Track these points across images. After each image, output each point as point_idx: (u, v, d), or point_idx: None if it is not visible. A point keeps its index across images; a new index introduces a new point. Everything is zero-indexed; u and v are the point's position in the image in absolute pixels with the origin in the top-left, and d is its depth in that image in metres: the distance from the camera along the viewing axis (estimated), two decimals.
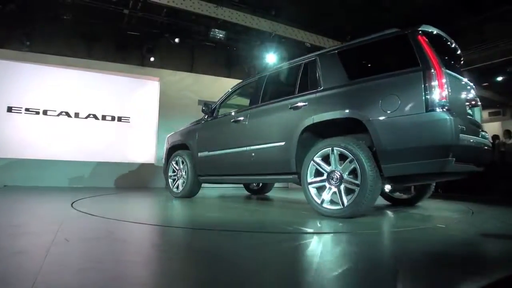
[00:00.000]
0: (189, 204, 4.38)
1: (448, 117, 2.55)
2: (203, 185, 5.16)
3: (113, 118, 9.29)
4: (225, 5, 8.03)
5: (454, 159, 2.54)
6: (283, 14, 8.70)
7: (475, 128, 3.10)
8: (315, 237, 2.33)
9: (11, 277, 1.28)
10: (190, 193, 5.08)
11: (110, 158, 8.71)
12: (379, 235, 2.43)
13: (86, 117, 9.01)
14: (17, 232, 2.17)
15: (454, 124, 2.54)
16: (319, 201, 3.07)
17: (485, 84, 10.16)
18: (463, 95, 3.05)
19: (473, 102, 3.20)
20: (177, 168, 5.22)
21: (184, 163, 5.07)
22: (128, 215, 3.55)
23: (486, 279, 1.34)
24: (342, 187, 2.94)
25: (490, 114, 13.65)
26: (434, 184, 4.07)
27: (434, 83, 2.63)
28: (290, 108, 3.56)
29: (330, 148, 3.05)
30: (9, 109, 8.32)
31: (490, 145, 3.42)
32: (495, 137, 9.13)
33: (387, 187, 4.18)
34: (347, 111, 3.04)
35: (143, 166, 9.10)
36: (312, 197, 3.13)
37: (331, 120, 3.14)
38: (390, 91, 2.85)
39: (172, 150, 5.48)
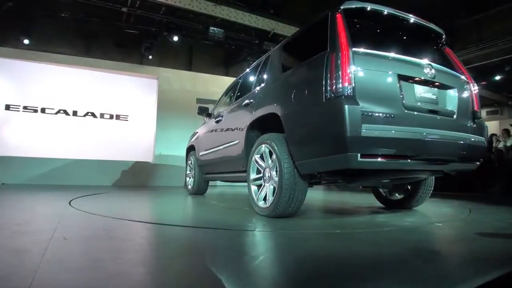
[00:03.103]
0: (182, 202, 4.42)
1: (345, 106, 2.18)
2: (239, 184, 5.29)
3: (111, 116, 9.29)
4: (224, 4, 8.02)
5: (358, 154, 2.19)
6: (282, 12, 8.70)
7: (434, 116, 2.61)
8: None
9: (10, 275, 1.28)
10: (198, 190, 5.35)
11: (108, 156, 8.72)
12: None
13: (84, 115, 9.01)
14: (15, 230, 2.17)
15: (353, 113, 2.18)
16: (255, 199, 3.00)
17: (483, 83, 10.18)
18: (405, 79, 2.51)
19: (438, 84, 2.68)
20: (191, 167, 5.49)
21: (194, 162, 5.32)
22: (125, 213, 3.55)
23: (484, 278, 1.34)
24: (270, 185, 2.82)
25: (488, 113, 13.70)
26: (433, 183, 3.46)
27: (335, 67, 2.30)
28: (243, 106, 3.57)
29: (262, 145, 2.96)
30: (7, 107, 8.31)
31: (472, 138, 2.77)
32: (492, 135, 9.16)
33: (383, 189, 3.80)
34: (270, 106, 2.98)
35: (141, 165, 9.10)
36: (252, 194, 3.07)
37: (264, 116, 3.05)
38: (301, 81, 2.70)
39: (188, 151, 5.75)
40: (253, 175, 3.10)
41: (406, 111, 2.44)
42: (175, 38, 8.87)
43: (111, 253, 1.70)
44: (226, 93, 4.95)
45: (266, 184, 2.89)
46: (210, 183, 5.73)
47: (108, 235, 2.14)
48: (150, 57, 9.37)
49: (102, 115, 9.19)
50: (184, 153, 6.10)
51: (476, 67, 9.04)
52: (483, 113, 13.40)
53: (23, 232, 2.12)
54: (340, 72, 2.29)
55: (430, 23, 3.04)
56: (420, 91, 2.60)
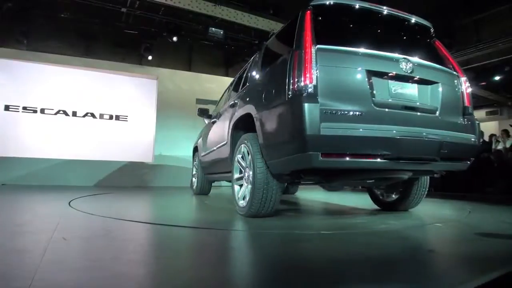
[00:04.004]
0: (180, 203, 4.44)
1: (303, 104, 2.12)
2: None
3: (111, 117, 9.28)
4: (223, 4, 8.02)
5: (319, 153, 2.14)
6: (281, 13, 8.70)
7: (411, 113, 2.45)
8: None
9: (10, 275, 1.28)
10: (202, 190, 5.46)
11: (108, 156, 8.71)
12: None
13: (84, 116, 9.00)
14: (15, 231, 2.17)
15: (312, 112, 2.11)
16: (237, 198, 3.01)
17: (482, 83, 10.19)
18: (377, 74, 2.39)
19: (417, 79, 2.51)
20: (196, 168, 5.61)
21: (197, 163, 5.43)
22: (124, 213, 3.55)
23: (484, 278, 1.35)
24: (248, 184, 2.81)
25: (487, 113, 13.67)
26: (427, 183, 3.26)
27: (298, 65, 2.25)
28: (229, 107, 3.60)
29: (241, 145, 2.97)
30: (7, 108, 8.30)
31: (459, 136, 2.58)
32: (492, 136, 9.16)
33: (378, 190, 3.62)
34: (247, 106, 2.98)
35: (141, 165, 9.09)
36: (234, 193, 3.08)
37: (244, 116, 3.03)
38: (270, 80, 2.71)
39: (193, 152, 5.87)
40: (236, 175, 3.11)
41: (376, 108, 2.32)
42: (175, 39, 8.87)
43: (111, 253, 1.70)
44: (223, 94, 5.00)
45: (245, 184, 2.90)
46: (216, 183, 5.80)
47: (107, 235, 2.14)
48: (150, 57, 9.37)
49: (101, 116, 9.18)
50: (185, 153, 6.23)
51: (476, 67, 9.05)
52: (483, 113, 13.38)
53: (23, 233, 2.12)
54: (301, 70, 2.23)
55: (413, 16, 2.89)
56: (396, 87, 2.45)
